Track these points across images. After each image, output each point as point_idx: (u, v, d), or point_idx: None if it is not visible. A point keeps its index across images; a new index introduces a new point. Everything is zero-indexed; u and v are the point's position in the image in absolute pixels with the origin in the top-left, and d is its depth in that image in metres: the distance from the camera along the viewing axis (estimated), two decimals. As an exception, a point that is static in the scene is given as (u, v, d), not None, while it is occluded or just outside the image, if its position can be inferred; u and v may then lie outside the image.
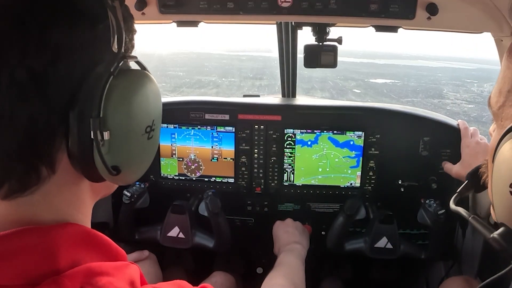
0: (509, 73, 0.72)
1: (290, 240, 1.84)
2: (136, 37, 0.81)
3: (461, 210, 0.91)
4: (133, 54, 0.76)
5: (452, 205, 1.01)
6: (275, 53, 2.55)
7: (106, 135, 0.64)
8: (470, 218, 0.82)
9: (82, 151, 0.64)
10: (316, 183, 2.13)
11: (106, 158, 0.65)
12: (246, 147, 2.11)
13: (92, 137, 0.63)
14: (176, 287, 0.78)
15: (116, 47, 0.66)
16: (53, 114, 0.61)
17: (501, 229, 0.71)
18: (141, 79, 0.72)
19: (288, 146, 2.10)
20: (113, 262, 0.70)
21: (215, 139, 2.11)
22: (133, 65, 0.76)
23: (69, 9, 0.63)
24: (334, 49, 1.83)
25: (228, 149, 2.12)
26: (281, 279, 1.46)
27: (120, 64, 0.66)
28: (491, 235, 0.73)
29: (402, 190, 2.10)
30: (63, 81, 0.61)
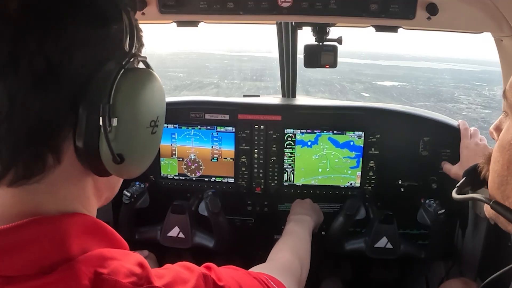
0: None
1: (302, 212, 1.87)
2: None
3: (477, 196, 0.87)
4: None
5: (456, 195, 1.00)
6: (275, 54, 2.55)
7: (114, 121, 0.67)
8: (491, 203, 0.80)
9: (89, 140, 0.67)
10: (316, 183, 2.14)
11: (113, 145, 0.67)
12: (246, 147, 2.11)
13: (100, 123, 0.66)
14: (182, 267, 0.82)
15: (128, 46, 0.71)
16: (64, 102, 0.64)
17: None
18: (149, 76, 0.76)
19: (288, 146, 2.10)
20: (119, 249, 0.73)
21: (215, 139, 2.11)
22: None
23: (87, 7, 0.67)
24: (334, 49, 1.84)
25: (228, 149, 2.12)
26: (288, 252, 1.47)
27: (131, 61, 0.71)
28: None
29: (402, 190, 2.10)
30: (76, 72, 0.65)
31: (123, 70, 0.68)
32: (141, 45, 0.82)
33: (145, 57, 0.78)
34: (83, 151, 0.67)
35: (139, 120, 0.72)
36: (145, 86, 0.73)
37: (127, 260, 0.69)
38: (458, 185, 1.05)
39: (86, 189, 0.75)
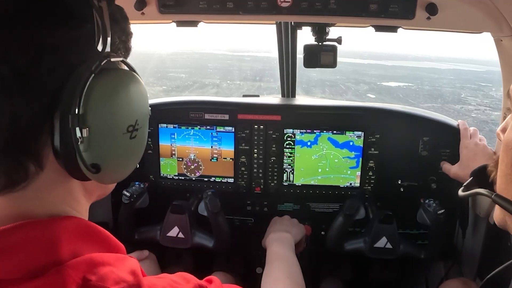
0: None
1: (281, 228, 1.84)
2: (136, 37, 0.82)
3: (481, 190, 0.88)
4: (130, 54, 0.77)
5: (462, 193, 1.02)
6: (275, 54, 2.55)
7: (85, 132, 0.64)
8: (493, 196, 0.82)
9: (65, 149, 0.64)
10: (316, 183, 2.13)
11: (85, 155, 0.66)
12: (245, 147, 2.11)
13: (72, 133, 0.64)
14: (180, 278, 0.80)
15: (100, 46, 0.67)
16: (37, 111, 0.62)
17: None
18: (124, 79, 0.72)
19: (287, 146, 2.10)
20: (113, 254, 0.71)
21: (214, 139, 2.11)
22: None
23: (56, 8, 0.64)
24: (333, 49, 1.83)
25: (227, 149, 2.12)
26: (282, 282, 1.43)
27: (103, 63, 0.67)
28: None
29: (402, 190, 2.10)
30: (47, 79, 0.62)
31: (93, 75, 0.65)
32: (127, 35, 0.78)
33: (121, 57, 0.74)
34: (61, 159, 0.66)
35: (114, 127, 0.70)
36: (118, 90, 0.70)
37: (120, 266, 0.68)
38: (465, 184, 1.07)
39: (74, 191, 0.74)
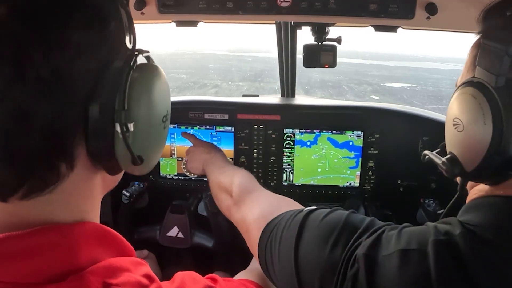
0: (469, 61, 0.94)
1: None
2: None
3: (427, 151, 1.06)
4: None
5: (425, 153, 1.11)
6: (275, 54, 2.55)
7: (131, 126, 0.66)
8: (424, 152, 1.02)
9: (103, 144, 0.66)
10: (315, 183, 2.13)
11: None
12: (245, 147, 2.11)
13: (117, 129, 0.65)
14: (189, 277, 0.82)
15: (130, 43, 0.70)
16: (74, 110, 0.63)
17: (448, 155, 0.90)
18: (156, 72, 0.75)
19: (287, 146, 2.10)
20: (128, 257, 0.72)
21: (214, 139, 2.11)
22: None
23: (85, 8, 0.65)
24: (333, 49, 1.83)
25: (227, 149, 2.12)
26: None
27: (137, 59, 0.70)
28: (441, 160, 0.90)
29: (401, 189, 2.10)
30: (83, 77, 0.63)
31: (132, 70, 0.67)
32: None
33: (148, 51, 0.75)
34: (98, 156, 0.67)
35: (154, 119, 0.72)
36: (155, 83, 0.72)
37: (135, 270, 0.69)
38: (433, 152, 1.15)
39: (95, 189, 0.74)
